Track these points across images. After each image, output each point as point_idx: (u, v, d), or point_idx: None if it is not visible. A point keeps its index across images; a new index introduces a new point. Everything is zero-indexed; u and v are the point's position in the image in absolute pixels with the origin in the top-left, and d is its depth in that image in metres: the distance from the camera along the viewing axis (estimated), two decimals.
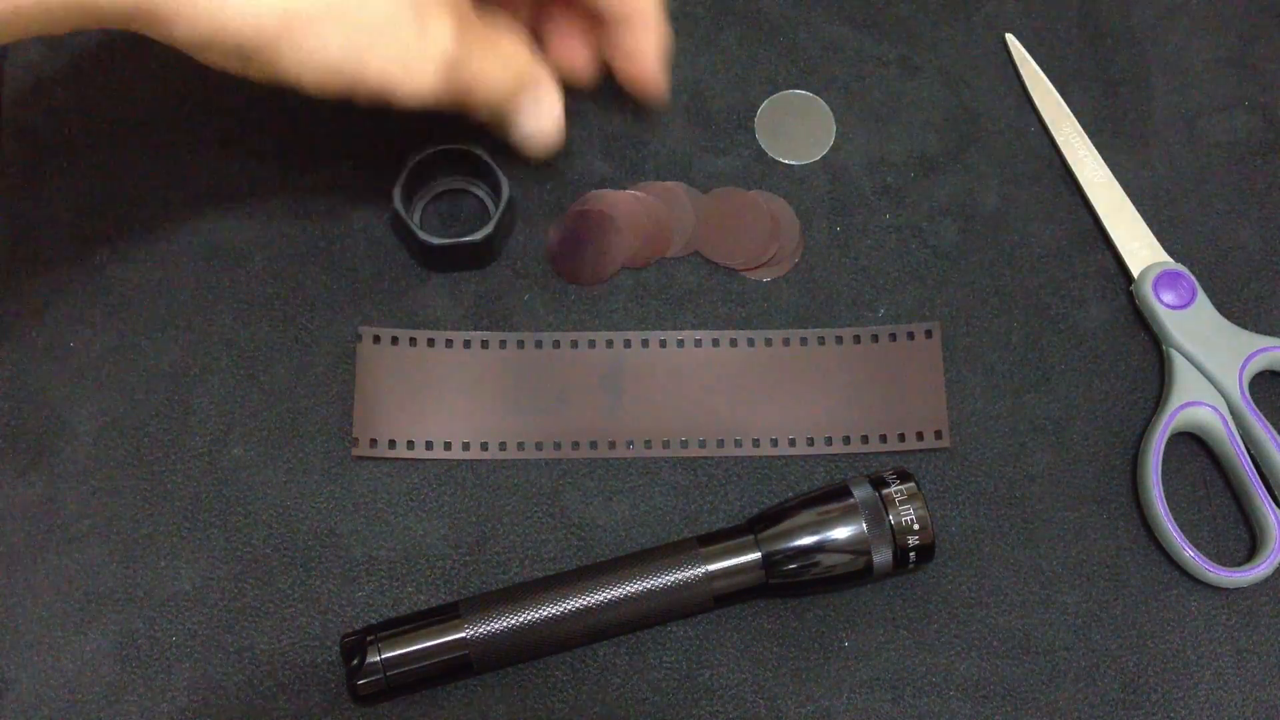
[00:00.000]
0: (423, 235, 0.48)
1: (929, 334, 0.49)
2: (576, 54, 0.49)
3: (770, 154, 0.52)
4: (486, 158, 0.49)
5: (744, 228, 0.50)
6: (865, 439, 0.48)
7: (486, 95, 0.44)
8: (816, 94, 0.53)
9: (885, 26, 0.54)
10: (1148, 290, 0.49)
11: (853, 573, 0.44)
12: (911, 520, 0.44)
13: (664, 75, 0.49)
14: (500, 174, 0.49)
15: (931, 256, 0.51)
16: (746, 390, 0.49)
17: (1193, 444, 0.49)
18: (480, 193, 0.50)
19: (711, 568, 0.44)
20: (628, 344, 0.49)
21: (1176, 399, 0.48)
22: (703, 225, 0.50)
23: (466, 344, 0.49)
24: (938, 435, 0.48)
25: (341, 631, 0.45)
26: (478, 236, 0.48)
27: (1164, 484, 0.47)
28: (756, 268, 0.50)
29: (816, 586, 0.45)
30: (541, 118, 0.47)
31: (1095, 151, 0.52)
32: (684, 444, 0.48)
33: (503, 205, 0.49)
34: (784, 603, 0.46)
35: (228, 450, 0.47)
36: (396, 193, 0.48)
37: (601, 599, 0.43)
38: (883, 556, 0.44)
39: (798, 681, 0.45)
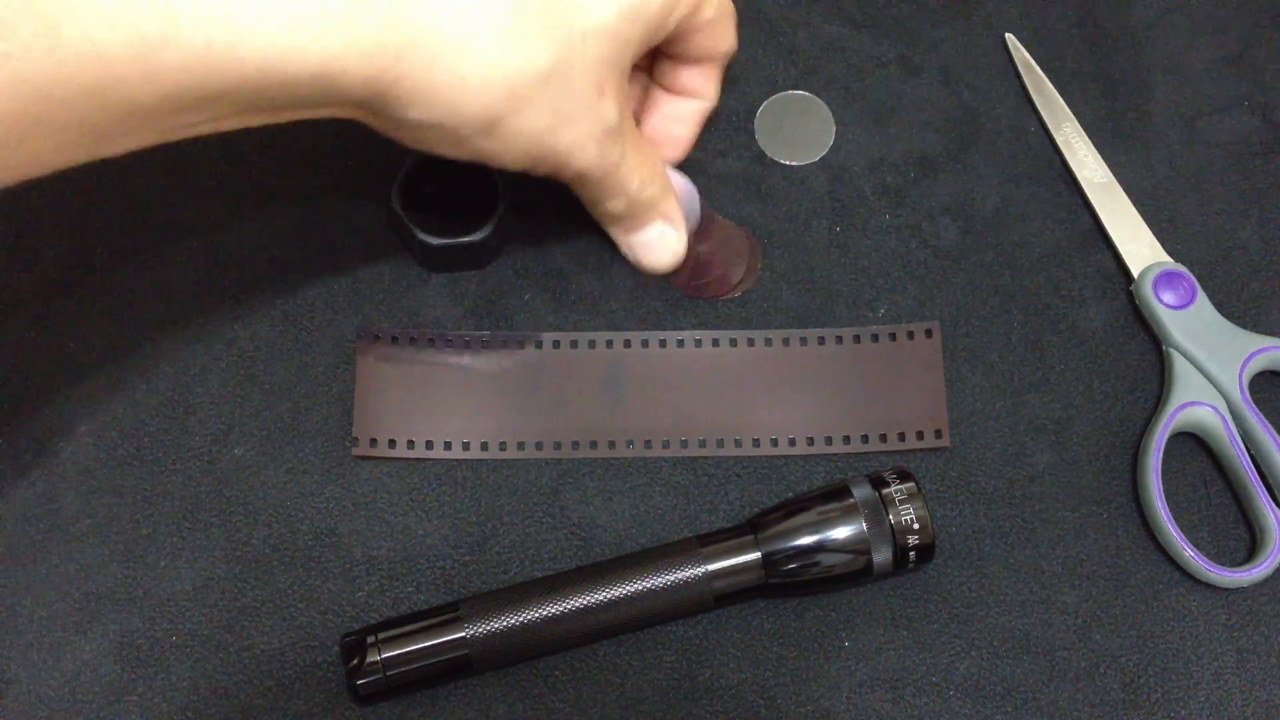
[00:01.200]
0: (422, 235, 0.48)
1: (929, 334, 0.49)
2: (679, 72, 0.49)
3: (770, 154, 0.52)
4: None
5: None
6: (865, 439, 0.48)
7: (625, 184, 0.44)
8: (816, 94, 0.53)
9: (885, 26, 0.54)
10: (1148, 290, 0.49)
11: (853, 572, 0.44)
12: (911, 520, 0.44)
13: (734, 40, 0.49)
14: (497, 174, 0.49)
15: (931, 256, 0.51)
16: (746, 390, 0.49)
17: (1193, 444, 0.49)
18: (479, 193, 0.50)
19: (711, 568, 0.44)
20: (628, 344, 0.49)
21: (1176, 399, 0.48)
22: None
23: (466, 344, 0.49)
24: (938, 435, 0.48)
25: (341, 631, 0.45)
26: (477, 237, 0.48)
27: (1164, 484, 0.47)
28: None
29: (816, 586, 0.45)
30: (661, 253, 0.48)
31: (1095, 151, 0.52)
32: (684, 444, 0.48)
33: (501, 205, 0.49)
34: (784, 603, 0.46)
35: (228, 450, 0.47)
36: (395, 193, 0.48)
37: (601, 599, 0.43)
38: (883, 556, 0.44)
39: (798, 681, 0.45)
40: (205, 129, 0.36)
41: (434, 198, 0.50)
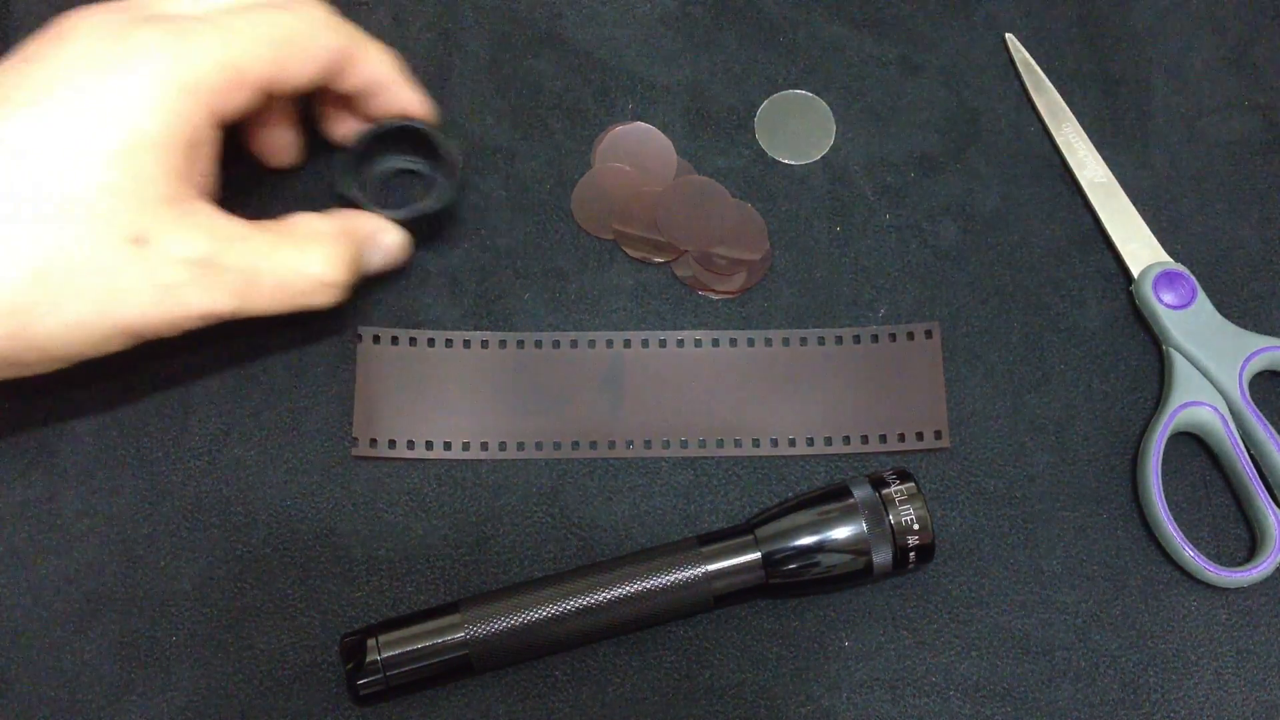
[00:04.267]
0: (374, 209, 0.48)
1: (929, 334, 0.49)
2: (349, 125, 0.49)
3: (770, 154, 0.52)
4: (427, 130, 0.48)
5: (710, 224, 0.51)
6: (865, 439, 0.48)
7: (307, 285, 0.43)
8: (816, 94, 0.53)
9: (885, 26, 0.54)
10: (1148, 290, 0.49)
11: (853, 573, 0.44)
12: (911, 520, 0.44)
13: (425, 101, 0.48)
14: (441, 144, 0.48)
15: (931, 256, 0.51)
16: (746, 390, 0.49)
17: (1193, 444, 0.49)
18: (422, 167, 0.50)
19: (711, 568, 0.44)
20: (628, 344, 0.49)
21: (1176, 399, 0.48)
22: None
23: (466, 344, 0.49)
24: (938, 435, 0.48)
25: (341, 631, 0.45)
26: (435, 205, 0.48)
27: (1164, 484, 0.47)
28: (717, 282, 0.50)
29: (816, 586, 0.45)
30: (389, 255, 0.47)
31: (1095, 151, 0.52)
32: (684, 444, 0.48)
33: (449, 173, 0.48)
34: (784, 603, 0.46)
35: (228, 450, 0.47)
36: (342, 178, 0.48)
37: (601, 599, 0.43)
38: (883, 556, 0.44)
39: (798, 681, 0.45)
40: None
41: (382, 175, 0.50)
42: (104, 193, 0.39)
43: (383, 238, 0.47)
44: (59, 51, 0.40)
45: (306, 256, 0.43)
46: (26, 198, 0.38)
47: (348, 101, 0.47)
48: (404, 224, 0.48)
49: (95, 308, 0.39)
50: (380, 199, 0.49)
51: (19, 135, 0.39)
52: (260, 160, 0.49)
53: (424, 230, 0.49)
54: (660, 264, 0.50)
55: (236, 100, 0.42)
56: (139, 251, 0.39)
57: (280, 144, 0.49)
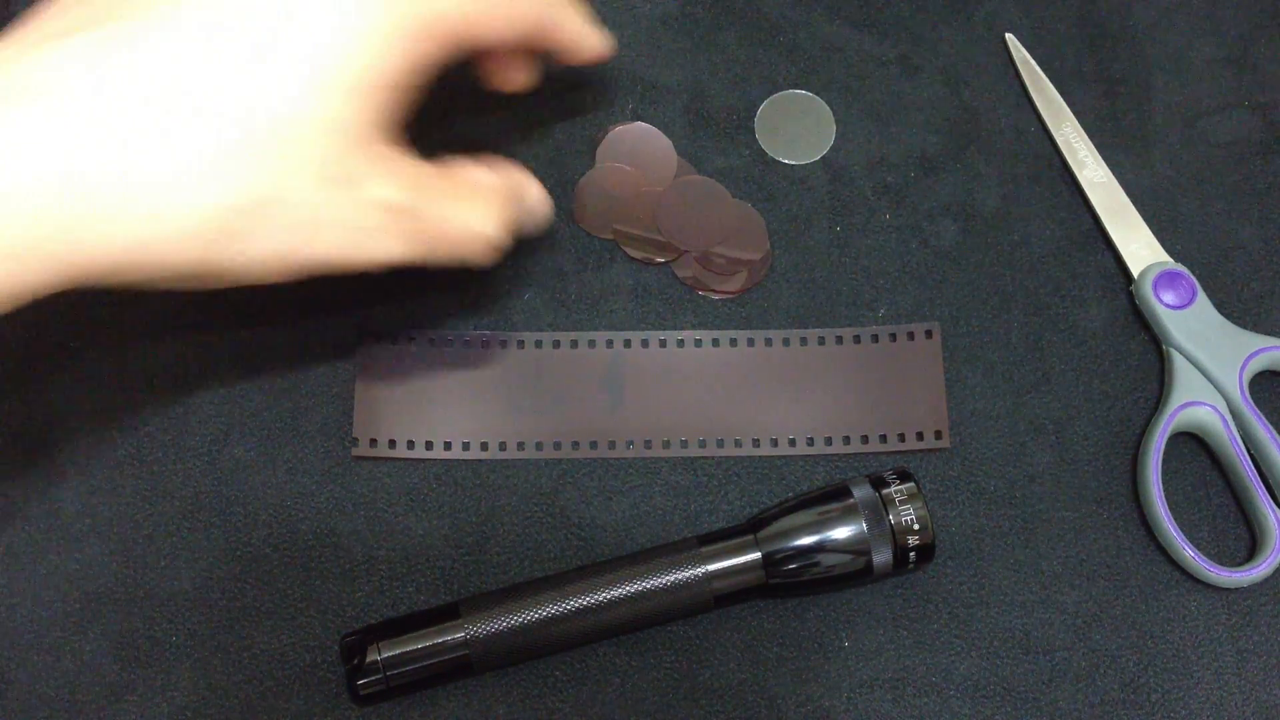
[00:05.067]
0: None
1: (929, 334, 0.49)
2: (522, 75, 0.48)
3: (770, 154, 0.52)
4: None
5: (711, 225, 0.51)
6: (865, 439, 0.48)
7: (468, 238, 0.42)
8: (816, 94, 0.53)
9: (885, 26, 0.54)
10: (1148, 290, 0.49)
11: (853, 573, 0.44)
12: (911, 520, 0.44)
13: (605, 39, 0.47)
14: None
15: (931, 256, 0.51)
16: (746, 390, 0.49)
17: (1193, 444, 0.49)
18: None
19: (711, 568, 0.44)
20: (628, 344, 0.49)
21: (1176, 399, 0.48)
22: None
23: (466, 344, 0.49)
24: (938, 435, 0.48)
25: (341, 631, 0.45)
26: None
27: (1164, 484, 0.47)
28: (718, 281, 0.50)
29: (816, 586, 0.45)
30: (531, 223, 0.46)
31: (1095, 151, 0.52)
32: (684, 444, 0.48)
33: None
34: (784, 603, 0.46)
35: (228, 450, 0.47)
36: None
37: (601, 599, 0.43)
38: (883, 556, 0.44)
39: (798, 681, 0.45)
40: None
41: None
42: (315, 128, 0.38)
43: (529, 195, 0.45)
44: None
45: (480, 214, 0.42)
46: (239, 123, 0.37)
47: (526, 53, 0.46)
48: None
49: (289, 243, 0.39)
50: None
51: (232, 58, 0.37)
52: (497, 90, 0.48)
53: None
54: (661, 264, 0.50)
55: (440, 51, 0.41)
56: (341, 193, 0.39)
57: (510, 73, 0.47)
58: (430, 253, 0.41)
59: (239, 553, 0.46)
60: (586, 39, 0.46)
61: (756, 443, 0.48)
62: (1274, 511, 0.46)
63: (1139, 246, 0.51)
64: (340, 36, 0.38)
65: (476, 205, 0.42)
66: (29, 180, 0.35)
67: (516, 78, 0.48)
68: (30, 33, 0.37)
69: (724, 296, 0.50)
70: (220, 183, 0.37)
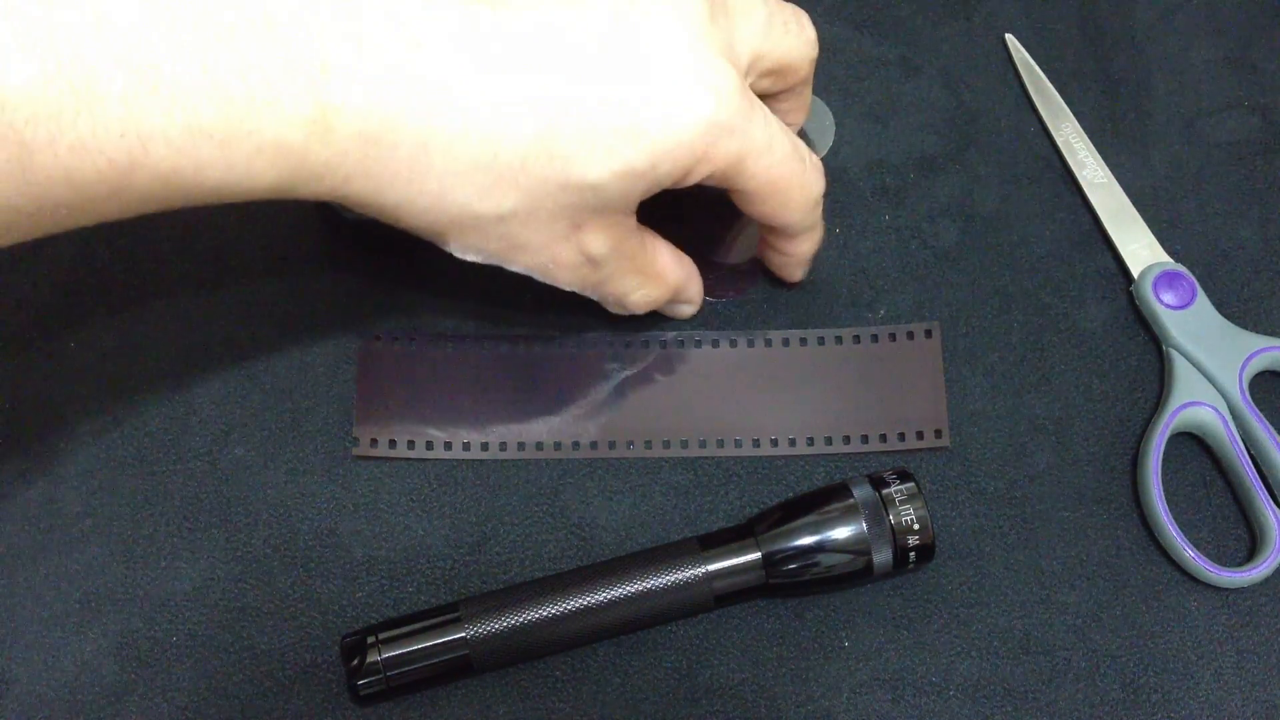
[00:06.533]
0: (347, 213, 0.47)
1: (929, 334, 0.49)
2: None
3: None
4: None
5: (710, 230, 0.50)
6: (865, 439, 0.48)
7: (621, 304, 0.46)
8: (816, 94, 0.53)
9: (885, 26, 0.54)
10: (1148, 290, 0.49)
11: (853, 573, 0.44)
12: (911, 520, 0.44)
13: (802, 267, 0.49)
14: None
15: (931, 256, 0.51)
16: (746, 390, 0.49)
17: (1193, 444, 0.49)
18: None
19: (711, 568, 0.44)
20: (628, 344, 0.49)
21: (1176, 399, 0.48)
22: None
23: (466, 344, 0.49)
24: (938, 435, 0.48)
25: (341, 631, 0.45)
26: None
27: (1164, 484, 0.47)
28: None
29: (816, 586, 0.45)
30: (674, 314, 0.49)
31: (1095, 152, 0.52)
32: (684, 444, 0.48)
33: None
34: (784, 603, 0.46)
35: (228, 450, 0.47)
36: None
37: (601, 599, 0.43)
38: (883, 556, 0.44)
39: (798, 681, 0.45)
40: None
41: None
42: (594, 190, 0.39)
43: (691, 296, 0.48)
44: (671, 6, 0.39)
45: (647, 296, 0.46)
46: (548, 154, 0.38)
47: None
48: (378, 226, 0.48)
49: (497, 250, 0.41)
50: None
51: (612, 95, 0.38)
52: None
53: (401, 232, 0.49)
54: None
55: (704, 177, 0.41)
56: (568, 234, 0.41)
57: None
58: (587, 293, 0.45)
59: (239, 553, 0.46)
60: (798, 272, 0.49)
61: (756, 443, 0.48)
62: (1274, 511, 0.46)
63: (1139, 246, 0.51)
64: (665, 138, 0.39)
65: (649, 290, 0.45)
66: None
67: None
68: None
69: (724, 299, 0.50)
70: (494, 196, 0.39)
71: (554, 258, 0.42)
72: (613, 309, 0.47)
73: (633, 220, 0.43)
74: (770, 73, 0.44)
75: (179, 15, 0.33)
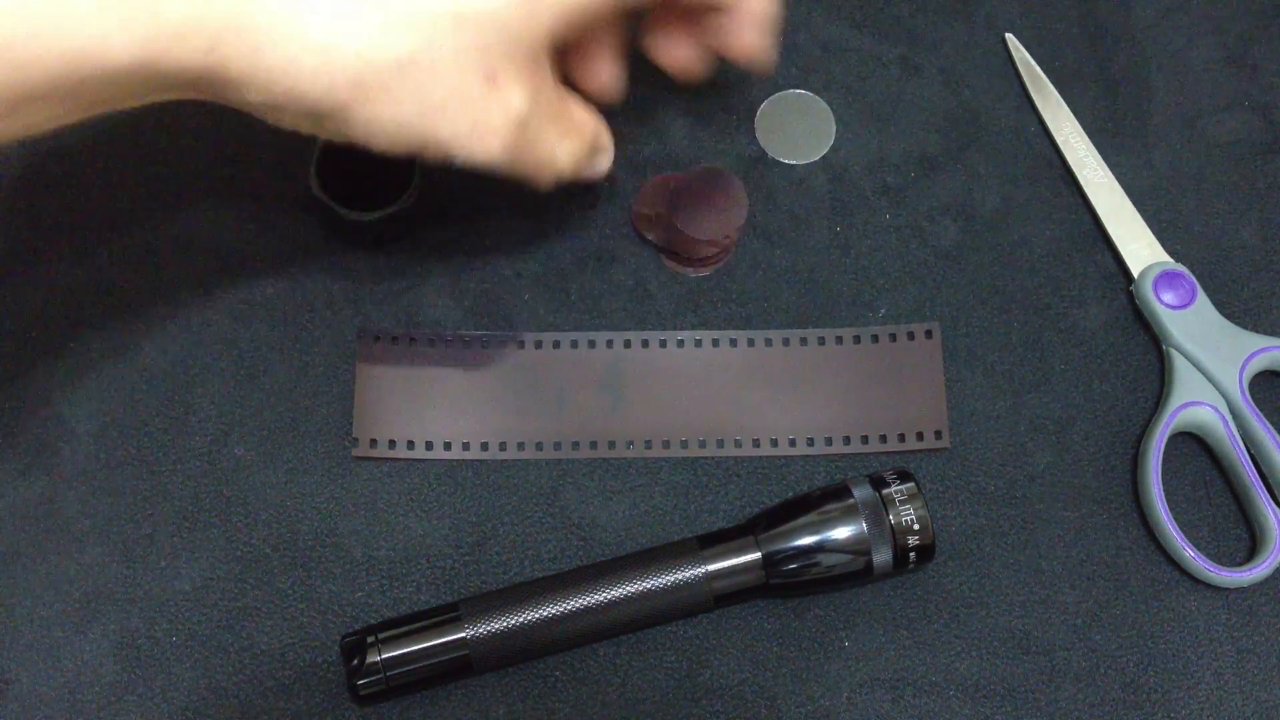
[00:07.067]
0: (345, 213, 0.47)
1: (929, 334, 0.49)
2: (686, 54, 0.48)
3: (770, 154, 0.52)
4: None
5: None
6: (865, 439, 0.48)
7: (551, 165, 0.43)
8: (816, 94, 0.53)
9: (885, 26, 0.54)
10: (1148, 290, 0.49)
11: (853, 573, 0.44)
12: (911, 520, 0.44)
13: (766, 48, 0.47)
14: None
15: (931, 256, 0.51)
16: (746, 390, 0.49)
17: (1193, 444, 0.49)
18: (394, 164, 0.50)
19: (712, 568, 0.44)
20: (628, 344, 0.49)
21: (1176, 399, 0.48)
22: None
23: (466, 344, 0.49)
24: (938, 435, 0.48)
25: (341, 631, 0.45)
26: (397, 208, 0.48)
27: (1164, 484, 0.47)
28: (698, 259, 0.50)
29: (816, 586, 0.45)
30: (594, 172, 0.47)
31: (1095, 151, 0.52)
32: (684, 444, 0.48)
33: (417, 174, 0.48)
34: (784, 603, 0.46)
35: (228, 450, 0.47)
36: (312, 175, 0.48)
37: (601, 599, 0.43)
38: (883, 556, 0.44)
39: (798, 681, 0.45)
40: (49, 125, 0.36)
41: (351, 175, 0.48)
42: (486, 18, 0.38)
43: (606, 147, 0.46)
44: None
45: (570, 150, 0.43)
46: None
47: (684, 22, 0.46)
48: (375, 225, 0.48)
49: (416, 114, 0.38)
50: (348, 201, 0.48)
51: None
52: (581, 90, 0.47)
53: (399, 231, 0.49)
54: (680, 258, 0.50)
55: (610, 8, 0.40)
56: (483, 87, 0.39)
57: (606, 76, 0.47)
58: (515, 164, 0.41)
59: (239, 553, 0.46)
60: (756, 36, 0.46)
61: (756, 443, 0.48)
62: (1274, 511, 0.46)
63: (1139, 246, 0.51)
64: None
65: (571, 141, 0.43)
66: None
67: (684, 56, 0.47)
68: None
69: (698, 273, 0.50)
70: (388, 38, 0.36)
71: (477, 119, 0.39)
72: (541, 180, 0.43)
73: (548, 68, 0.41)
74: None
75: None
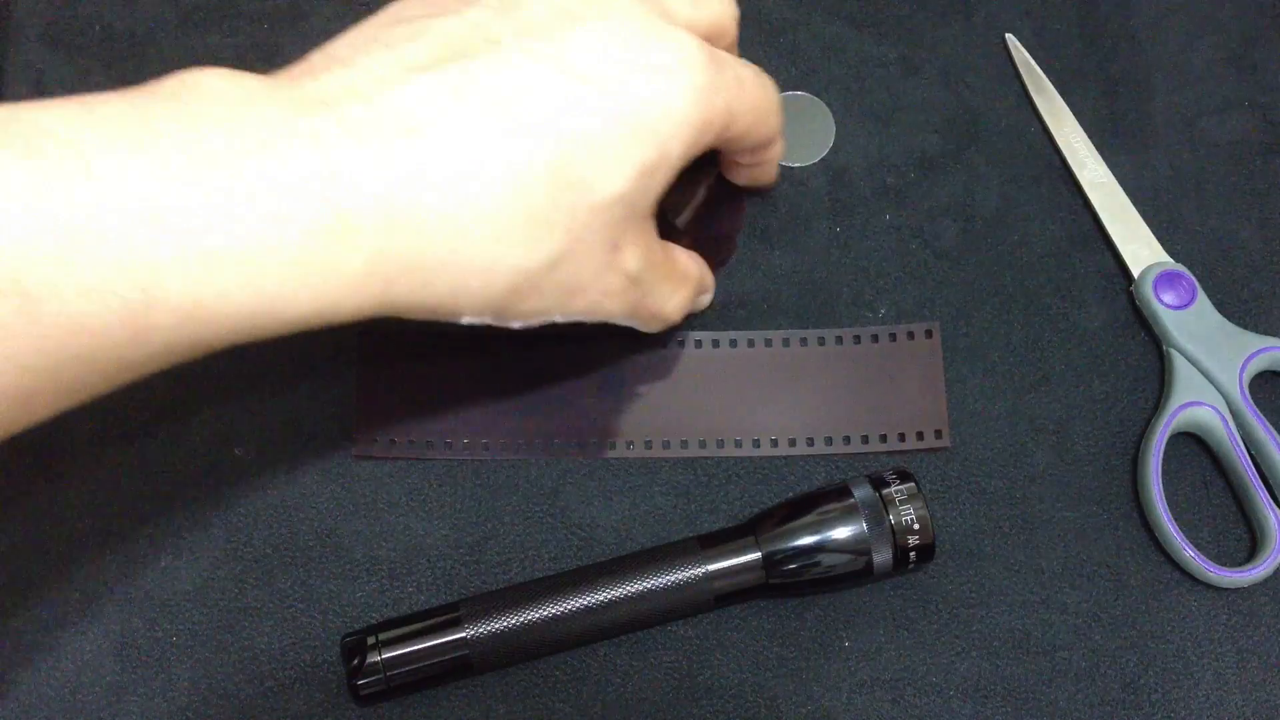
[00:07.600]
0: None
1: (929, 334, 0.49)
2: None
3: None
4: None
5: None
6: (865, 439, 0.48)
7: (661, 316, 0.44)
8: (816, 94, 0.53)
9: (885, 26, 0.54)
10: (1148, 290, 0.49)
11: (853, 573, 0.44)
12: (911, 520, 0.44)
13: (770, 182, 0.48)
14: None
15: (931, 256, 0.51)
16: (746, 390, 0.49)
17: (1193, 444, 0.49)
18: None
19: (712, 568, 0.44)
20: (628, 344, 0.49)
21: (1176, 399, 0.48)
22: None
23: (466, 344, 0.49)
24: (938, 435, 0.48)
25: (342, 631, 0.45)
26: None
27: (1164, 484, 0.47)
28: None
29: (816, 586, 0.45)
30: (698, 309, 0.48)
31: (1095, 152, 0.52)
32: (684, 444, 0.48)
33: None
34: (784, 603, 0.46)
35: (228, 450, 0.47)
36: None
37: (601, 599, 0.43)
38: (883, 556, 0.44)
39: (798, 681, 0.45)
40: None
41: None
42: (614, 199, 0.38)
43: (709, 289, 0.47)
44: (603, 13, 0.38)
45: (681, 301, 0.44)
46: (555, 185, 0.37)
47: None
48: None
49: (558, 301, 0.39)
50: None
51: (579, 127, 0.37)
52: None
53: None
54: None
55: (708, 143, 0.41)
56: (609, 259, 0.39)
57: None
58: (630, 319, 0.43)
59: (239, 553, 0.46)
60: (772, 170, 0.47)
61: (756, 443, 0.48)
62: (1274, 511, 0.46)
63: (1139, 246, 0.51)
64: (667, 123, 0.38)
65: (680, 292, 0.44)
66: (385, 212, 0.34)
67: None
68: (386, 63, 0.36)
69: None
70: (539, 245, 0.37)
71: (604, 290, 0.40)
72: (651, 327, 0.44)
73: (653, 226, 0.42)
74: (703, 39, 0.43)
75: (168, 154, 0.31)
